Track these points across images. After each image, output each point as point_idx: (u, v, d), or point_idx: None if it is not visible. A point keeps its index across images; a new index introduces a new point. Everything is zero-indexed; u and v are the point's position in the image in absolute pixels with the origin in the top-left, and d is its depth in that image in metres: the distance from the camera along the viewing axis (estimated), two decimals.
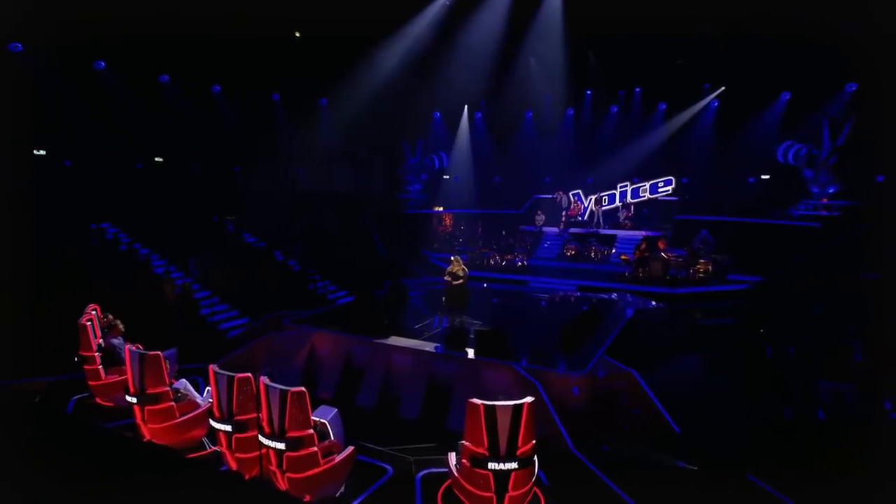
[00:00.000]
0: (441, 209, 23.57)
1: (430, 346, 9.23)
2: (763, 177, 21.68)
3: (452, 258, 10.96)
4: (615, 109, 24.42)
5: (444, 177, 25.80)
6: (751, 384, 8.83)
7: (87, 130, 15.59)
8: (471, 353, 8.79)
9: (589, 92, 24.52)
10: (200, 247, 14.83)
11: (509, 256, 18.05)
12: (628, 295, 13.83)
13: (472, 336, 9.27)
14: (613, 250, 18.76)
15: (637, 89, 23.90)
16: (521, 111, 25.04)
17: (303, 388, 5.17)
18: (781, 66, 18.90)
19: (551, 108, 24.51)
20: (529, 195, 23.32)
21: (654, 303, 13.48)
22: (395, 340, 9.53)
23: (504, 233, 20.71)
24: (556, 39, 20.70)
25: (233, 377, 5.43)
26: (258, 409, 5.30)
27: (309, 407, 5.23)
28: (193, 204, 17.35)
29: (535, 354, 8.91)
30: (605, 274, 16.73)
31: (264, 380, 5.25)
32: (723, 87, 22.19)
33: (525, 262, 18.04)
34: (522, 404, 4.92)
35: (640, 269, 15.79)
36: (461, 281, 10.66)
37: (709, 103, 22.64)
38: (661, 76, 21.32)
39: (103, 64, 15.99)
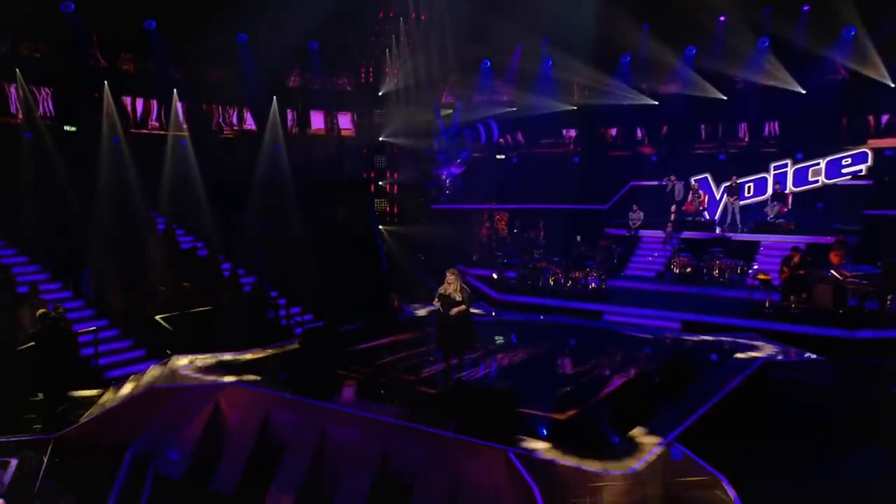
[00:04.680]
0: (496, 205, 23.76)
1: (389, 412, 8.68)
2: None
3: (449, 272, 10.56)
4: (766, 44, 22.46)
5: (498, 156, 25.60)
6: None
7: None
8: (453, 426, 8.06)
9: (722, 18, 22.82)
10: (104, 253, 14.64)
11: (578, 274, 17.69)
12: (777, 344, 12.60)
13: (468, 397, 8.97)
14: (755, 265, 18.03)
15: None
16: (610, 50, 23.43)
17: None
18: None
19: (653, 42, 22.93)
20: (623, 182, 22.87)
21: (809, 354, 12.41)
22: (339, 401, 9.22)
23: (579, 238, 20.58)
24: None
25: None
26: None
27: None
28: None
29: (556, 433, 8.10)
30: (736, 304, 16.06)
31: None
32: None
33: (603, 284, 17.67)
34: None
35: (793, 297, 15.13)
36: (462, 308, 10.14)
37: None
38: None
39: None
